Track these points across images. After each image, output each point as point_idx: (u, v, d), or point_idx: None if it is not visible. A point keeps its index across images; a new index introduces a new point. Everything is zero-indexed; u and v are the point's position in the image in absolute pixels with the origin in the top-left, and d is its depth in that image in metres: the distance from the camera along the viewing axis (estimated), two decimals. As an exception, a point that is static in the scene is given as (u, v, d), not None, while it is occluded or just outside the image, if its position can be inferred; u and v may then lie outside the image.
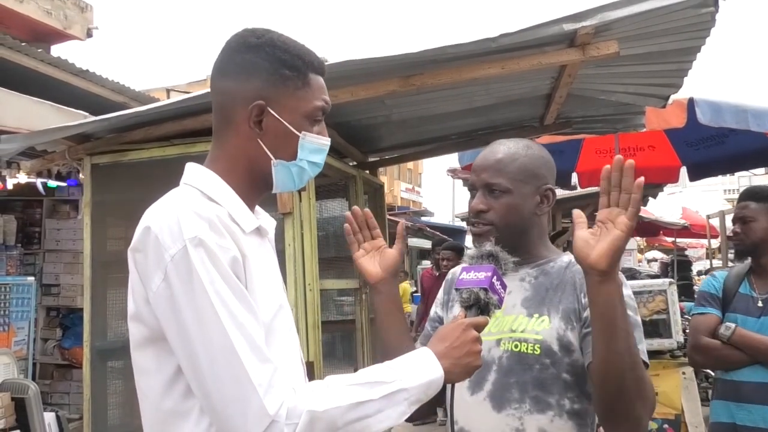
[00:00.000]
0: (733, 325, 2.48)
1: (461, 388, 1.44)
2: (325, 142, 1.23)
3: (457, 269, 1.59)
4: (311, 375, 2.91)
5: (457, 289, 1.28)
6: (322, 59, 1.24)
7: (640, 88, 3.37)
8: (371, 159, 4.53)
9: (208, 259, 1.03)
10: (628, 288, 1.42)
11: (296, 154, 1.19)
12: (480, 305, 1.23)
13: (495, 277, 1.26)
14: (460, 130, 4.19)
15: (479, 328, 1.21)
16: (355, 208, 1.55)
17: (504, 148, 1.52)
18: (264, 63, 1.16)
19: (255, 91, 1.16)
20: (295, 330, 1.27)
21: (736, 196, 2.89)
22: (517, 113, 3.92)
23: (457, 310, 1.27)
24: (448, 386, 1.23)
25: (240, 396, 0.99)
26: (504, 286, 1.28)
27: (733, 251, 2.68)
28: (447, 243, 7.46)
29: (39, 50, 4.85)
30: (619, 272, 1.40)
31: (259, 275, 1.13)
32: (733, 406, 2.49)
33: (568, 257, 1.52)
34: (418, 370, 1.12)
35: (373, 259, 1.52)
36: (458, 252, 6.75)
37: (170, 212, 1.07)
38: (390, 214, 11.55)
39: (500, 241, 1.41)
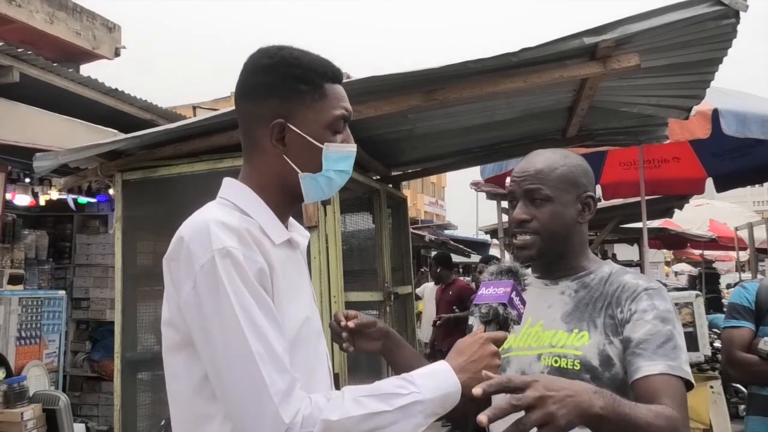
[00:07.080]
0: None
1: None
2: (351, 149, 1.25)
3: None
4: (337, 386, 2.93)
5: (476, 305, 1.28)
6: (337, 67, 1.26)
7: (662, 99, 3.36)
8: (394, 173, 4.57)
9: (234, 270, 1.06)
10: (667, 301, 1.39)
11: (321, 165, 1.22)
12: (499, 320, 1.23)
13: (514, 293, 1.26)
14: (483, 144, 4.21)
15: (498, 342, 1.20)
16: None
17: (543, 158, 1.51)
18: (278, 82, 1.20)
19: (273, 110, 1.19)
20: (324, 341, 1.30)
21: (767, 207, 2.82)
22: (539, 126, 3.93)
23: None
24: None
25: (257, 403, 1.03)
26: (523, 302, 1.28)
27: None
28: (435, 254, 7.76)
29: (69, 70, 4.96)
30: (656, 283, 1.38)
31: (287, 287, 1.17)
32: None
33: (609, 267, 1.51)
34: (434, 383, 1.12)
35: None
36: (442, 261, 7.15)
37: (202, 224, 1.11)
38: (413, 228, 11.54)
39: (544, 251, 1.44)
